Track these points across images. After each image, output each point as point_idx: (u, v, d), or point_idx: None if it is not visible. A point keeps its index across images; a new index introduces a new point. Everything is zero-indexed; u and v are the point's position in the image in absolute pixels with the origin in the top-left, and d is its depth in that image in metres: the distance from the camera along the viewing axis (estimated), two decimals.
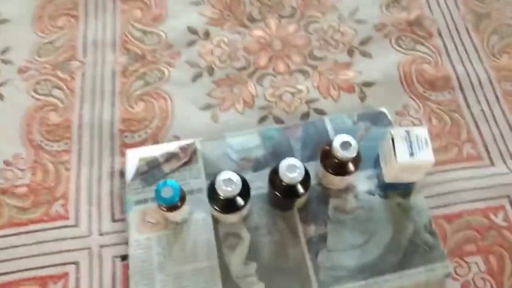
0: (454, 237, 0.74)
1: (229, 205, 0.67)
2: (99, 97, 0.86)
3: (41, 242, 0.73)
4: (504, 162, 0.80)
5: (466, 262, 0.72)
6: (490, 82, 0.87)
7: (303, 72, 0.89)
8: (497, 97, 0.86)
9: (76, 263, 0.72)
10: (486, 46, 0.91)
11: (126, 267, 0.71)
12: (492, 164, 0.80)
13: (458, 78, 0.88)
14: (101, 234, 0.74)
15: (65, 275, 0.71)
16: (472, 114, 0.84)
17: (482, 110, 0.85)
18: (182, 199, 0.68)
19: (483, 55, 0.90)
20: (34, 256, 0.72)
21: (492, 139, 0.82)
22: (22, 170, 0.79)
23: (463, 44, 0.92)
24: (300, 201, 0.71)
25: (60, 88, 0.87)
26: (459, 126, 0.83)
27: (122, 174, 0.78)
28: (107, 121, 0.83)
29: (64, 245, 0.73)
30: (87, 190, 0.77)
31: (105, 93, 0.86)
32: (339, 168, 0.70)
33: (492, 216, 0.75)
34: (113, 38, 0.93)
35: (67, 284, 0.70)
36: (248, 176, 0.72)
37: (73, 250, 0.73)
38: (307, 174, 0.68)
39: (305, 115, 0.84)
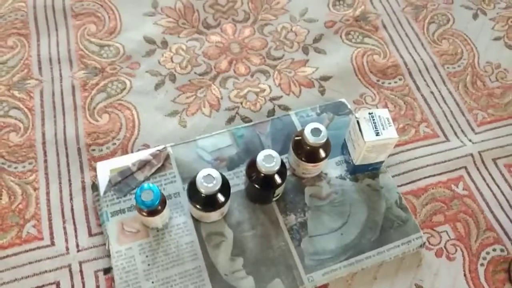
0: (423, 210, 0.79)
1: (210, 202, 0.68)
2: (60, 113, 0.84)
3: (14, 267, 0.69)
4: (457, 136, 0.86)
5: (437, 232, 0.77)
6: (435, 66, 0.95)
7: (264, 72, 0.92)
8: (442, 79, 0.93)
9: (56, 283, 0.69)
10: (426, 34, 0.99)
11: (110, 280, 0.69)
12: (447, 139, 0.86)
13: (406, 65, 0.94)
14: (79, 250, 0.72)
15: None
16: (423, 96, 0.91)
17: (432, 92, 0.91)
18: (163, 202, 0.68)
19: (425, 42, 0.98)
20: (8, 283, 0.68)
21: (444, 117, 0.89)
22: None
23: (406, 34, 0.99)
24: (278, 192, 0.73)
25: (18, 108, 0.84)
26: (413, 109, 0.89)
27: (94, 187, 0.76)
28: (71, 136, 0.82)
29: (41, 266, 0.70)
30: (59, 207, 0.75)
31: (66, 108, 0.84)
32: (311, 155, 0.73)
33: (453, 187, 0.81)
34: (68, 53, 0.91)
35: None
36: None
37: (52, 270, 0.70)
38: (283, 164, 0.70)
39: (271, 112, 0.87)
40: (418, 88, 0.92)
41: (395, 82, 0.92)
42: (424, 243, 0.74)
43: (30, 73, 0.88)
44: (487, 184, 0.82)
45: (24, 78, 0.88)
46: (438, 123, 0.88)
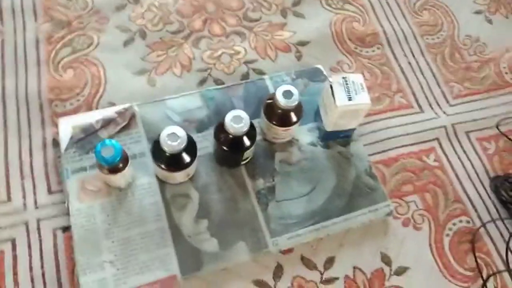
0: (392, 180, 0.78)
1: (175, 162, 0.65)
2: (22, 67, 0.80)
3: None
4: (432, 108, 0.85)
5: (405, 201, 0.77)
6: (414, 36, 0.93)
7: (240, 34, 0.89)
8: (421, 50, 0.92)
9: (11, 240, 0.66)
10: (408, 3, 0.97)
11: (68, 239, 0.67)
12: (422, 110, 0.85)
13: (385, 34, 0.92)
14: (37, 208, 0.69)
15: (0, 253, 0.65)
16: (400, 66, 0.89)
17: (409, 63, 0.90)
18: (125, 160, 0.65)
19: (406, 12, 0.96)
20: None
21: (420, 88, 0.87)
22: None
23: (387, 2, 0.97)
24: (246, 155, 0.71)
25: None
26: (389, 78, 0.88)
27: (55, 144, 0.73)
28: (33, 91, 0.78)
29: None
30: (17, 163, 0.72)
31: (29, 62, 0.80)
32: (283, 118, 0.71)
33: (424, 158, 0.81)
34: (33, 4, 0.86)
35: (3, 263, 0.65)
36: (193, 137, 0.72)
37: (8, 227, 0.67)
38: (252, 127, 0.68)
39: (245, 76, 0.84)
40: (396, 58, 0.90)
41: (373, 51, 0.90)
42: (392, 211, 0.74)
43: None
44: (458, 157, 0.82)
45: None
46: (413, 93, 0.86)
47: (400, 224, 0.75)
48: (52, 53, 0.82)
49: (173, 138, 0.62)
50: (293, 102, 0.68)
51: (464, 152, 0.82)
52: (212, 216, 0.70)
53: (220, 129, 0.67)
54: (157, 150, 0.64)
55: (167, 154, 0.63)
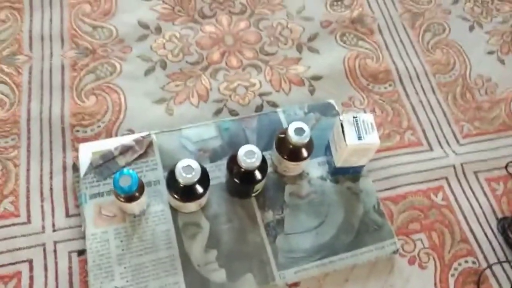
0: (400, 217, 0.79)
1: (188, 193, 0.68)
2: (47, 92, 0.84)
3: None
4: (441, 146, 0.87)
5: (412, 239, 0.78)
6: (426, 74, 0.95)
7: (256, 67, 0.92)
8: (432, 88, 0.93)
9: (29, 261, 0.69)
10: (421, 42, 0.99)
11: (83, 262, 0.69)
12: (431, 149, 0.86)
13: (397, 71, 0.95)
14: (55, 230, 0.72)
15: (17, 274, 0.68)
16: (411, 104, 0.91)
17: (420, 100, 0.92)
18: (141, 189, 0.68)
19: (419, 50, 0.98)
20: None
21: (430, 126, 0.89)
22: None
23: (401, 40, 0.99)
24: (257, 187, 0.73)
25: (5, 83, 0.83)
26: (400, 115, 0.90)
27: (75, 168, 0.76)
28: (56, 115, 0.81)
29: (15, 243, 0.70)
30: (38, 185, 0.75)
31: (54, 87, 0.84)
32: (294, 153, 0.73)
33: (432, 196, 0.82)
34: (60, 32, 0.90)
35: (20, 284, 0.67)
36: (206, 167, 0.74)
37: (26, 248, 0.70)
38: (264, 161, 0.70)
39: (259, 108, 0.87)
40: (407, 95, 0.92)
41: (385, 88, 0.93)
42: (398, 249, 0.75)
43: (20, 49, 0.88)
44: (466, 196, 0.82)
45: (14, 53, 0.87)
46: (423, 131, 0.88)
47: (406, 262, 0.76)
48: (76, 79, 0.85)
49: (188, 171, 0.65)
50: (304, 138, 0.70)
51: (472, 192, 0.83)
52: (221, 246, 0.72)
53: (233, 161, 0.70)
54: (171, 181, 0.67)
55: (181, 185, 0.66)
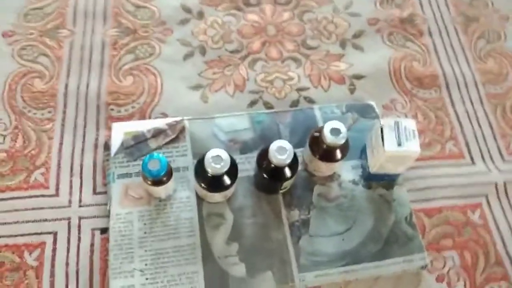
0: (432, 231, 0.75)
1: (216, 183, 0.67)
2: (86, 68, 0.84)
3: (17, 210, 0.71)
4: (484, 161, 0.82)
5: (443, 256, 0.74)
6: (475, 83, 0.89)
7: (296, 60, 0.89)
8: (480, 99, 0.88)
9: (54, 233, 0.70)
10: (473, 48, 0.94)
11: (104, 240, 0.70)
12: (473, 162, 0.82)
13: (445, 77, 0.90)
14: (81, 206, 0.72)
15: (42, 244, 0.69)
16: (456, 113, 0.86)
17: (466, 110, 0.87)
18: (169, 174, 0.67)
19: (470, 57, 0.92)
20: (9, 223, 0.70)
21: (474, 138, 0.84)
22: (2, 135, 0.76)
23: (451, 45, 0.94)
24: (286, 185, 0.71)
25: (46, 56, 0.84)
26: (443, 124, 0.85)
27: (106, 147, 0.76)
28: (93, 92, 0.82)
29: (42, 214, 0.71)
30: (69, 160, 0.75)
31: (93, 64, 0.84)
32: (327, 154, 0.70)
33: (469, 213, 0.77)
34: (104, 9, 0.90)
35: (43, 254, 0.68)
36: (236, 158, 0.73)
37: (52, 220, 0.71)
38: (295, 158, 0.68)
39: (295, 102, 0.84)
40: (452, 104, 0.87)
41: (430, 93, 0.88)
42: (427, 265, 0.71)
43: (64, 23, 0.88)
44: (506, 217, 0.78)
45: (58, 27, 0.88)
46: (466, 143, 0.83)
47: (434, 279, 0.72)
48: (115, 58, 0.85)
49: (217, 161, 0.64)
50: (340, 140, 0.67)
51: None
52: (243, 240, 0.70)
53: (263, 156, 0.68)
54: (200, 169, 0.66)
55: (209, 175, 0.65)
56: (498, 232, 0.76)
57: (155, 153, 0.65)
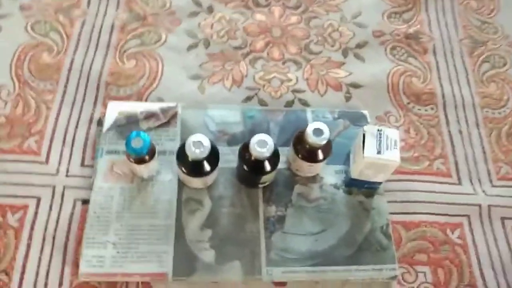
0: (408, 245, 0.75)
1: (195, 169, 0.68)
2: (93, 47, 0.87)
3: (8, 172, 0.74)
4: (472, 183, 0.81)
5: (415, 270, 0.73)
6: (474, 106, 0.89)
7: (296, 63, 0.91)
8: (477, 121, 0.87)
9: (37, 198, 0.73)
10: (476, 71, 0.93)
11: (84, 211, 0.72)
12: (460, 183, 0.81)
13: (443, 96, 0.90)
14: (68, 176, 0.75)
15: (25, 207, 0.72)
16: (450, 133, 0.86)
17: (460, 131, 0.86)
18: (151, 153, 0.69)
19: (471, 79, 0.92)
20: None
21: (465, 159, 0.83)
22: (4, 101, 0.80)
23: (455, 65, 0.94)
24: (265, 179, 0.72)
25: (57, 31, 0.88)
26: (435, 141, 0.85)
27: (99, 123, 0.79)
28: (96, 71, 0.85)
29: (30, 179, 0.74)
30: (63, 131, 0.78)
31: (100, 44, 0.88)
32: (309, 154, 0.71)
33: (448, 232, 0.77)
34: None
35: (25, 217, 0.71)
36: (222, 149, 0.74)
37: (38, 186, 0.73)
38: (276, 153, 0.69)
39: (289, 103, 0.86)
40: (447, 123, 0.87)
41: (426, 110, 0.88)
42: (397, 276, 0.71)
43: (79, 3, 0.92)
44: (486, 241, 0.77)
45: (73, 6, 0.92)
46: (456, 163, 0.83)
47: None
48: (122, 41, 0.89)
49: (197, 146, 0.65)
50: (322, 140, 0.68)
51: (494, 237, 0.77)
52: (217, 228, 0.72)
53: (245, 148, 0.69)
54: (181, 154, 0.68)
55: (190, 159, 0.66)
56: (475, 253, 0.75)
57: (141, 132, 0.67)
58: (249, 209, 0.74)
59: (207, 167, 0.68)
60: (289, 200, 0.75)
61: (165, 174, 0.75)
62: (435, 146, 0.85)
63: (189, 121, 0.80)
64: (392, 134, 0.69)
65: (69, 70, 0.84)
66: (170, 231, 0.70)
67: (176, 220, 0.71)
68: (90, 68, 0.85)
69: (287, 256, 0.71)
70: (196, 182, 0.72)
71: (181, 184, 0.74)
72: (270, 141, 0.67)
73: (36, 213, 0.72)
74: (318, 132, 0.68)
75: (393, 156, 0.68)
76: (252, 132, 0.79)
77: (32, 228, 0.70)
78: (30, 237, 0.70)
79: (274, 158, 0.69)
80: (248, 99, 0.85)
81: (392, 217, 0.76)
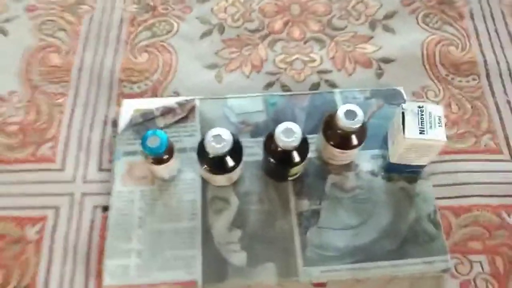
0: (459, 232, 0.68)
1: (218, 165, 0.63)
2: (102, 44, 0.83)
3: (23, 183, 0.70)
4: None
5: (469, 260, 0.66)
6: None
7: (319, 41, 0.83)
8: None
9: (56, 208, 0.69)
10: None
11: (105, 219, 0.68)
12: None
13: (486, 64, 0.81)
14: (85, 182, 0.71)
15: (44, 218, 0.68)
16: (496, 104, 0.77)
17: (508, 101, 0.77)
18: (170, 152, 0.64)
19: None
20: (14, 195, 0.69)
21: None
22: (15, 107, 0.76)
23: (496, 30, 0.84)
24: (294, 171, 0.66)
25: (65, 30, 0.84)
26: (480, 115, 0.76)
27: (115, 124, 0.74)
28: (108, 68, 0.80)
29: (47, 188, 0.70)
30: (77, 135, 0.74)
31: (109, 40, 0.83)
32: (342, 140, 0.64)
33: (504, 215, 0.69)
34: None
35: (44, 228, 0.67)
36: (245, 141, 0.69)
37: (55, 195, 0.70)
38: (305, 142, 0.63)
39: (315, 86, 0.79)
40: (493, 94, 0.78)
41: (467, 82, 0.79)
42: (450, 268, 0.64)
43: None
44: None
45: (79, 3, 0.87)
46: (506, 138, 0.74)
47: (457, 285, 0.64)
48: (132, 34, 0.84)
49: (218, 140, 0.60)
50: (355, 124, 0.61)
51: None
52: (247, 227, 0.66)
53: (270, 138, 0.63)
54: (201, 150, 0.62)
55: (210, 155, 0.61)
56: None
57: (156, 130, 0.62)
58: (279, 204, 0.68)
59: (230, 162, 0.63)
60: (323, 192, 0.69)
61: (187, 173, 0.70)
62: (480, 120, 0.76)
63: (208, 114, 0.74)
64: (435, 110, 0.61)
65: (80, 69, 0.80)
66: (197, 234, 0.65)
67: (202, 221, 0.66)
68: (101, 66, 0.80)
69: (325, 254, 0.64)
70: (220, 180, 0.67)
71: (204, 183, 0.69)
72: (297, 129, 0.60)
73: (55, 224, 0.68)
74: (350, 114, 0.61)
75: (438, 135, 0.60)
76: (276, 121, 0.73)
77: (52, 241, 0.67)
78: (51, 250, 0.66)
79: (303, 147, 0.62)
80: (270, 85, 0.79)
81: (439, 202, 0.69)
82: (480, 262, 0.66)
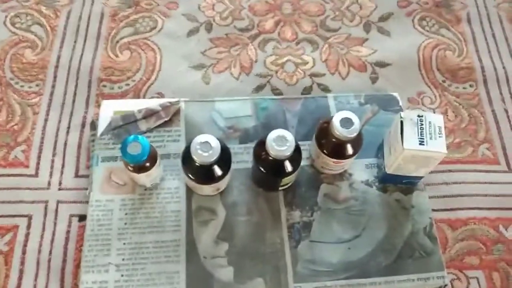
0: (456, 246, 0.65)
1: (204, 174, 0.58)
2: (81, 40, 0.77)
3: None
4: None
5: (466, 276, 0.63)
6: None
7: (312, 42, 0.79)
8: None
9: (29, 217, 0.64)
10: None
11: (82, 229, 0.63)
12: (510, 170, 0.70)
13: (483, 70, 0.78)
14: (60, 189, 0.66)
15: (14, 228, 0.63)
16: (493, 112, 0.75)
17: (506, 110, 0.75)
18: (152, 159, 0.59)
19: None
20: None
21: None
22: None
23: (493, 35, 0.82)
24: (285, 181, 0.62)
25: (41, 25, 0.78)
26: (477, 124, 0.74)
27: (93, 126, 0.69)
28: (86, 66, 0.75)
29: (18, 195, 0.65)
30: (53, 138, 0.69)
31: (89, 35, 0.78)
32: (336, 149, 0.61)
33: (501, 229, 0.66)
34: None
35: (15, 239, 0.62)
36: (234, 148, 0.65)
37: (28, 202, 0.65)
38: (298, 151, 0.59)
39: (307, 89, 0.75)
40: (490, 101, 0.76)
41: (464, 88, 0.77)
42: (446, 285, 0.61)
43: None
44: None
45: None
46: (503, 148, 0.72)
47: None
48: (113, 30, 0.78)
49: (205, 148, 0.55)
50: (351, 132, 0.58)
51: None
52: (234, 240, 0.62)
53: (261, 146, 0.59)
54: (187, 158, 0.58)
55: (197, 164, 0.57)
56: None
57: (139, 136, 0.57)
58: (269, 216, 0.64)
59: (218, 171, 0.58)
60: (315, 203, 0.65)
61: (170, 180, 0.65)
62: (478, 129, 0.73)
63: (194, 118, 0.70)
64: (436, 119, 0.58)
65: (56, 67, 0.75)
66: (181, 247, 0.61)
67: (186, 233, 0.62)
68: (80, 64, 0.75)
69: (317, 269, 0.61)
70: (206, 189, 0.62)
71: (189, 192, 0.65)
72: (290, 137, 0.57)
73: (27, 234, 0.63)
74: (346, 122, 0.58)
75: (438, 146, 0.57)
76: (267, 126, 0.70)
77: (23, 252, 0.62)
78: (22, 262, 0.61)
79: (296, 156, 0.59)
80: (260, 88, 0.75)
81: (435, 215, 0.66)
82: (477, 278, 0.63)
